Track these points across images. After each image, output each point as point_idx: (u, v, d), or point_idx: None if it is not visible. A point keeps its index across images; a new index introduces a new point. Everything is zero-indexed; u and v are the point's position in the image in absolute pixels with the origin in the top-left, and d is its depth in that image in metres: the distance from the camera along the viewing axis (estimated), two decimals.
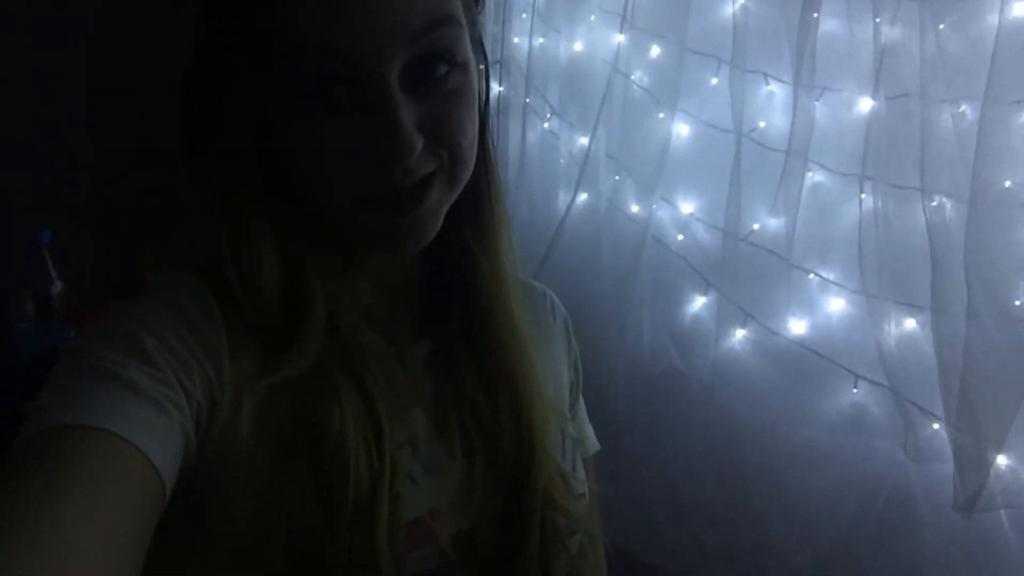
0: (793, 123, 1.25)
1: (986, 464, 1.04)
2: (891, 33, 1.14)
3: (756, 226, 1.34)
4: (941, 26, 1.08)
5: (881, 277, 1.17)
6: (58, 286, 1.62)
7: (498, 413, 0.70)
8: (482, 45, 0.70)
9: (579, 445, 0.80)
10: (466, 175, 0.66)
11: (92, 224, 2.14)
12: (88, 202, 2.15)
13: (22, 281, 1.65)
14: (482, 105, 0.70)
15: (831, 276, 1.28)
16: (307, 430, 0.59)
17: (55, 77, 2.09)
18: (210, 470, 0.57)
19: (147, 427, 0.52)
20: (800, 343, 1.29)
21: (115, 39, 2.13)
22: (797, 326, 1.30)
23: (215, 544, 0.59)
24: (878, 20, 1.15)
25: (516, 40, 1.71)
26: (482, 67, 0.70)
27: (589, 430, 0.88)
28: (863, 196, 1.19)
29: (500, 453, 0.69)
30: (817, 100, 1.25)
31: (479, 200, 0.72)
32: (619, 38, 1.49)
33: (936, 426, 1.13)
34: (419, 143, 0.59)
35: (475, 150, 0.66)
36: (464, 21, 0.63)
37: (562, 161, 1.64)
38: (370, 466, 0.59)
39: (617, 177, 1.53)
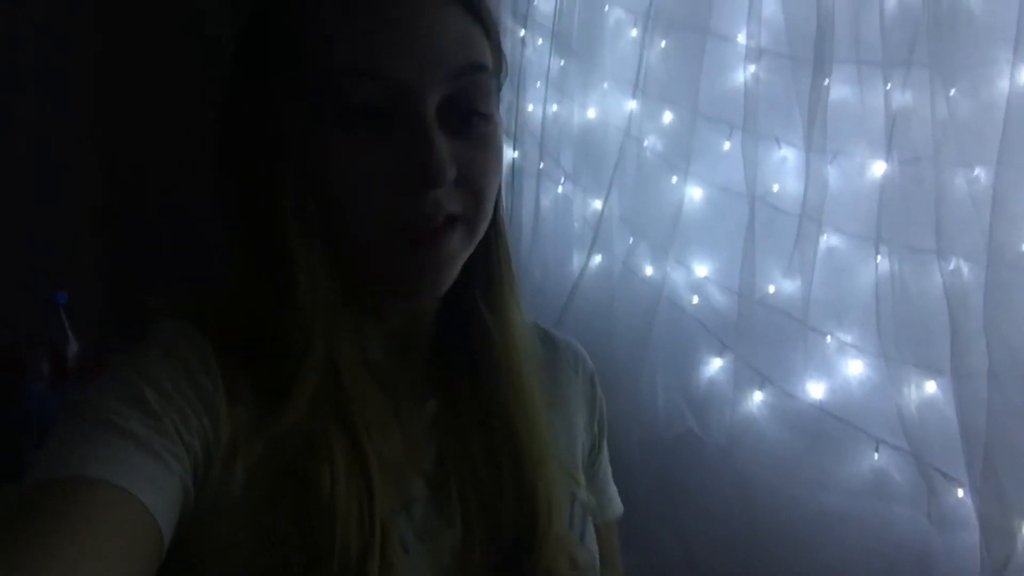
0: (806, 186, 1.26)
1: (1013, 532, 1.02)
2: (902, 98, 1.15)
3: (772, 289, 1.34)
4: (952, 91, 1.09)
5: (900, 340, 1.17)
6: (74, 346, 1.63)
7: (501, 481, 0.68)
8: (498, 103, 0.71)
9: (593, 510, 0.78)
10: (483, 228, 0.66)
11: (107, 283, 2.16)
12: (104, 260, 2.18)
13: (37, 340, 1.65)
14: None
15: (849, 339, 1.27)
16: (298, 487, 0.58)
17: (66, 136, 2.13)
18: (206, 521, 0.57)
19: (147, 478, 0.52)
20: (819, 407, 1.28)
21: (124, 87, 2.17)
22: (815, 389, 1.29)
23: None
24: (889, 86, 1.17)
25: (530, 107, 1.74)
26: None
27: (612, 491, 0.86)
28: (879, 259, 1.19)
29: (500, 524, 0.67)
30: (830, 164, 1.26)
31: (489, 259, 0.72)
32: (631, 104, 1.52)
33: (960, 493, 1.11)
34: (452, 172, 0.60)
35: (493, 205, 0.67)
36: (493, 68, 0.65)
37: (576, 225, 1.65)
38: (360, 531, 0.58)
39: (631, 240, 1.54)
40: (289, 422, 0.59)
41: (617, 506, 0.86)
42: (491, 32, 0.65)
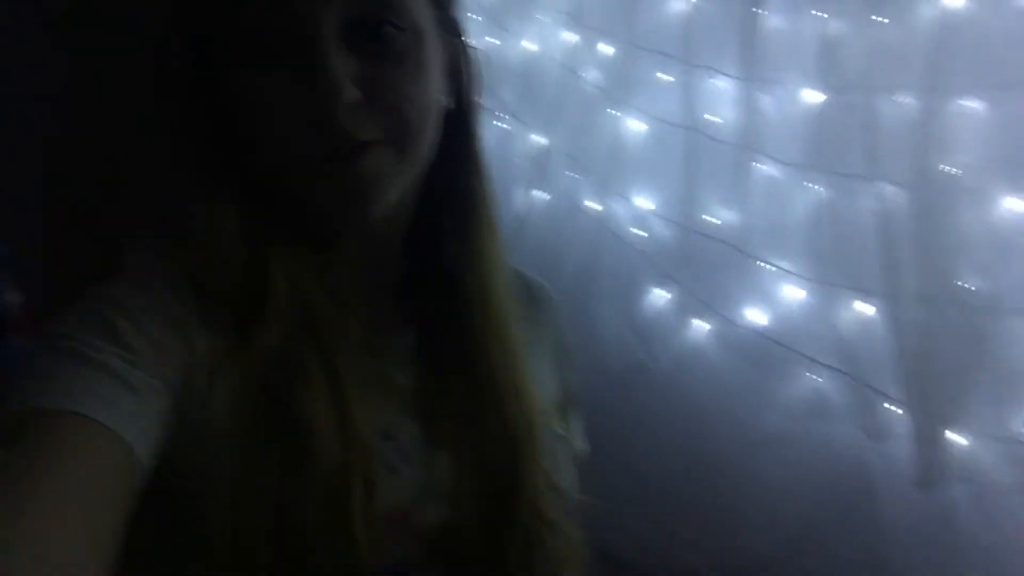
0: (742, 116, 1.27)
1: (940, 440, 1.07)
2: (834, 26, 1.16)
3: (711, 219, 1.36)
4: (880, 18, 1.10)
5: (835, 265, 1.20)
6: (14, 296, 1.58)
7: (484, 412, 0.68)
8: (458, 29, 0.69)
9: (568, 443, 0.79)
10: (417, 148, 0.64)
11: (50, 229, 2.10)
12: (45, 205, 2.11)
13: None
14: (465, 96, 0.70)
15: (787, 266, 1.30)
16: (277, 411, 0.58)
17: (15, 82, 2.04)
18: (189, 452, 0.56)
19: (122, 409, 0.51)
20: (760, 332, 1.32)
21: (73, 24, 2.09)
22: (756, 316, 1.33)
23: (199, 528, 0.58)
24: (821, 14, 1.17)
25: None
26: (459, 49, 0.70)
27: (577, 429, 0.86)
28: (813, 186, 1.21)
29: (486, 451, 0.68)
30: (764, 93, 1.27)
31: (465, 202, 0.71)
32: (570, 37, 1.51)
33: (892, 408, 1.16)
34: (350, 92, 0.57)
35: (428, 123, 0.64)
36: None
37: (518, 160, 1.65)
38: (342, 451, 0.58)
39: (573, 175, 1.55)
40: (264, 345, 0.59)
41: (581, 444, 0.85)
42: None
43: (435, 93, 0.65)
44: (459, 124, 0.70)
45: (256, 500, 0.57)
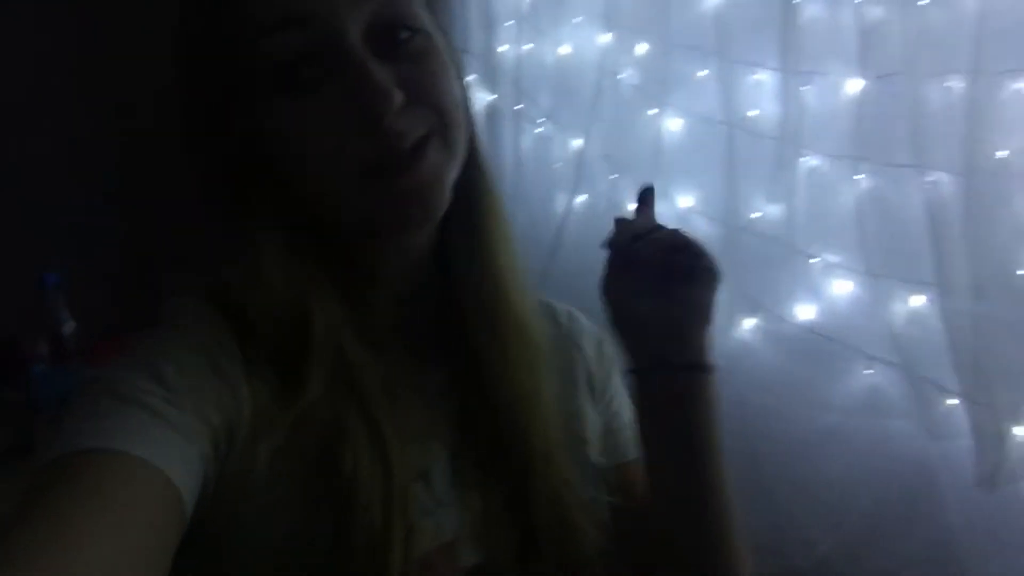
0: (783, 109, 1.25)
1: (1004, 437, 1.04)
2: (873, 12, 1.13)
3: (756, 215, 1.34)
4: (922, 1, 1.07)
5: (885, 257, 1.17)
6: (70, 326, 1.64)
7: (513, 441, 0.68)
8: (450, 34, 0.70)
9: (618, 453, 0.78)
10: (460, 139, 0.64)
11: (104, 259, 2.16)
12: (100, 237, 2.17)
13: (34, 322, 1.66)
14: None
15: (835, 259, 1.27)
16: (321, 466, 0.59)
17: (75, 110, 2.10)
18: (228, 500, 0.57)
19: (169, 451, 0.52)
20: (809, 328, 1.29)
21: (124, 61, 2.14)
22: (805, 311, 1.30)
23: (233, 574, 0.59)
24: (858, 1, 1.14)
25: (502, 48, 1.71)
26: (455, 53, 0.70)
27: (629, 435, 0.84)
28: (859, 177, 1.18)
29: (516, 482, 0.68)
30: (805, 85, 1.24)
31: (472, 208, 0.70)
32: (605, 38, 1.50)
33: (952, 402, 1.12)
34: (397, 95, 0.58)
35: (462, 114, 0.65)
36: None
37: (557, 165, 1.64)
38: (383, 503, 0.59)
39: (613, 176, 1.53)
40: (308, 401, 0.59)
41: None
42: None
43: (460, 88, 0.66)
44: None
45: (296, 552, 0.57)
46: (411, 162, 0.60)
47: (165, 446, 0.52)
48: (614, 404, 0.83)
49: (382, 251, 0.69)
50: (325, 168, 0.60)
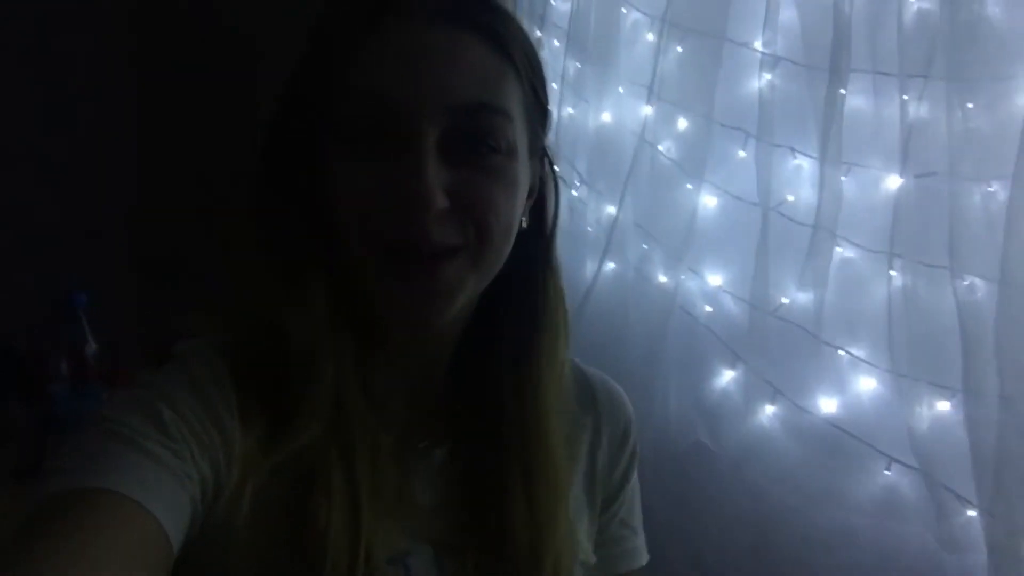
0: (820, 197, 1.24)
1: (1021, 555, 1.00)
2: (918, 111, 1.13)
3: (785, 300, 1.32)
4: (969, 105, 1.07)
5: (912, 357, 1.15)
6: (93, 347, 1.65)
7: (513, 548, 0.67)
8: (552, 166, 0.72)
9: (610, 566, 0.77)
10: (493, 261, 0.65)
11: (132, 283, 2.19)
12: (129, 260, 2.20)
13: (57, 340, 1.68)
14: (549, 228, 0.72)
15: (861, 353, 1.25)
16: (295, 519, 0.59)
17: (101, 128, 2.14)
18: (210, 545, 0.58)
19: (160, 494, 0.54)
20: (831, 422, 1.27)
21: (164, 82, 2.20)
22: (827, 404, 1.28)
23: None
24: (905, 98, 1.14)
25: None
26: (547, 175, 0.72)
27: (636, 543, 0.83)
28: (892, 273, 1.17)
29: None
30: (844, 176, 1.24)
31: (531, 329, 0.70)
32: (647, 109, 1.50)
33: (971, 513, 1.09)
34: (440, 200, 0.59)
35: (507, 240, 0.65)
36: (515, 117, 0.64)
37: (590, 229, 1.64)
38: (350, 566, 0.59)
39: (645, 246, 1.53)
40: (292, 449, 0.60)
41: (638, 558, 0.83)
42: (519, 66, 0.64)
43: (519, 214, 0.66)
44: (537, 249, 0.71)
45: None
46: (426, 269, 0.61)
47: (158, 490, 0.54)
48: (615, 506, 0.81)
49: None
50: (352, 229, 0.62)
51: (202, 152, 2.02)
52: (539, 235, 0.72)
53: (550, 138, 1.64)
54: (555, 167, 0.73)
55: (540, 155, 0.71)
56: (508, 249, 0.66)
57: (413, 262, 0.61)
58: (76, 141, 2.07)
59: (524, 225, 0.68)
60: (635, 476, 0.83)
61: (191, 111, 2.13)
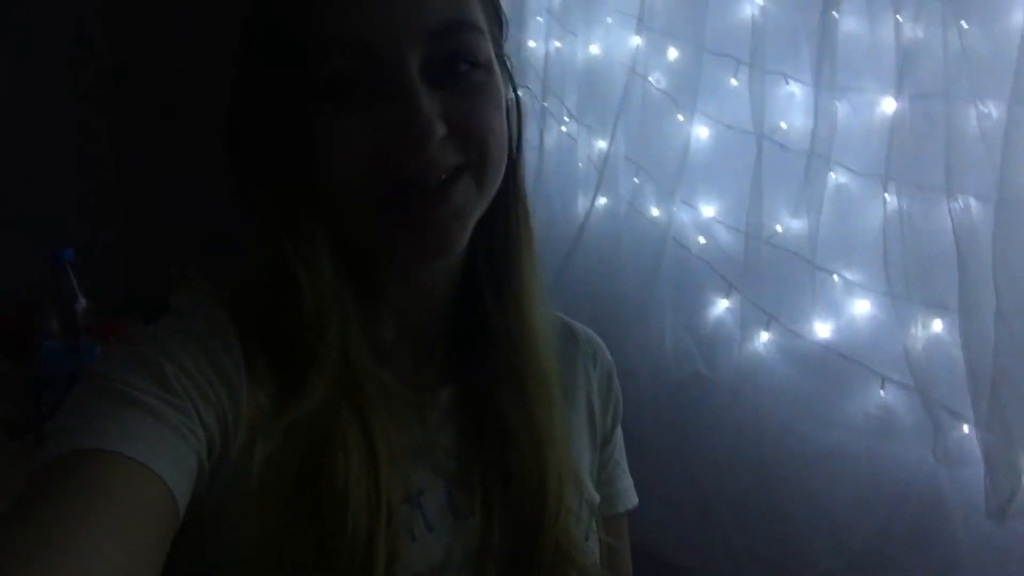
0: (815, 124, 1.24)
1: (1018, 469, 1.03)
2: (913, 31, 1.12)
3: (779, 228, 1.33)
4: (964, 24, 1.06)
5: (907, 279, 1.16)
6: (82, 303, 1.63)
7: (517, 472, 0.68)
8: (510, 71, 0.70)
9: (595, 506, 0.78)
10: (495, 178, 0.65)
11: (118, 238, 2.16)
12: (114, 215, 2.18)
13: (46, 298, 1.66)
14: (514, 139, 0.70)
15: (856, 278, 1.26)
16: (312, 475, 0.59)
17: (77, 87, 2.10)
18: (220, 501, 0.58)
19: (163, 451, 0.52)
20: (825, 345, 1.28)
21: (144, 39, 2.14)
22: (822, 328, 1.29)
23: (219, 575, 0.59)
24: (899, 18, 1.13)
25: (532, 44, 1.70)
26: (512, 95, 0.70)
27: (627, 484, 0.85)
28: (887, 197, 1.17)
29: (517, 514, 0.67)
30: (839, 101, 1.23)
31: (508, 253, 0.71)
32: (636, 40, 1.48)
33: (966, 429, 1.12)
34: (440, 129, 0.59)
35: (504, 154, 0.65)
36: (486, 30, 0.64)
37: (580, 165, 1.63)
38: (369, 520, 0.58)
39: (636, 180, 1.52)
40: (305, 410, 0.59)
41: (630, 498, 0.85)
42: None
43: (506, 127, 0.66)
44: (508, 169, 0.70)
45: (280, 560, 0.57)
46: (436, 197, 0.61)
47: (161, 447, 0.52)
48: (610, 446, 0.84)
49: (401, 274, 0.69)
50: (353, 183, 0.61)
51: (190, 106, 1.99)
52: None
53: (538, 73, 1.63)
54: (517, 89, 0.72)
55: (506, 69, 0.70)
56: (504, 164, 0.66)
57: (423, 194, 0.61)
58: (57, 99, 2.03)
59: None
60: (619, 422, 0.86)
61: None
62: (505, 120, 0.66)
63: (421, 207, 0.61)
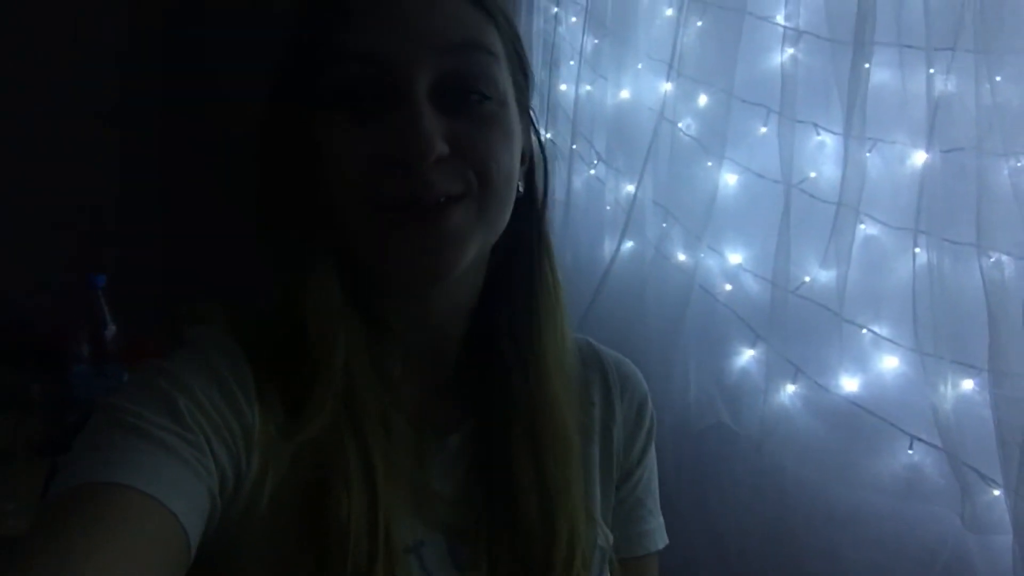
0: (844, 174, 1.22)
1: None
2: (945, 85, 1.10)
3: (807, 278, 1.31)
4: (997, 78, 1.04)
5: (936, 335, 1.13)
6: (112, 329, 1.66)
7: (524, 522, 0.66)
8: (533, 119, 0.71)
9: (628, 547, 0.76)
10: (498, 209, 0.64)
11: (149, 267, 2.20)
12: (144, 243, 2.21)
13: (77, 322, 1.69)
14: (539, 190, 0.71)
15: (884, 332, 1.23)
16: (314, 507, 0.58)
17: (119, 118, 2.15)
18: (230, 537, 0.58)
19: (176, 486, 0.52)
20: (852, 401, 1.25)
21: (192, 58, 2.19)
22: (849, 383, 1.26)
23: None
24: (932, 71, 1.11)
25: (563, 87, 1.71)
26: (537, 146, 0.71)
27: (657, 523, 0.81)
28: (917, 251, 1.15)
29: (522, 565, 0.65)
30: (869, 152, 1.21)
31: (531, 308, 0.70)
32: (666, 86, 1.48)
33: (996, 493, 1.07)
34: (441, 146, 0.59)
35: (510, 189, 0.65)
36: (501, 59, 0.64)
37: (608, 208, 1.63)
38: (369, 560, 0.58)
39: (664, 225, 1.51)
40: (312, 428, 0.59)
41: (660, 538, 0.81)
42: (498, 21, 0.64)
43: (517, 164, 0.66)
44: (529, 213, 0.70)
45: None
46: (431, 218, 0.60)
47: (174, 483, 0.53)
48: (632, 481, 0.80)
49: (404, 303, 0.68)
50: (351, 193, 0.61)
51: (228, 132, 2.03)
52: (531, 203, 0.71)
53: (568, 116, 1.64)
54: (540, 137, 0.72)
55: (528, 116, 0.70)
56: (511, 201, 0.65)
57: (419, 213, 0.60)
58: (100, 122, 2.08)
59: (520, 190, 0.68)
60: (653, 456, 0.82)
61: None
62: (516, 158, 0.65)
63: (416, 227, 0.60)
